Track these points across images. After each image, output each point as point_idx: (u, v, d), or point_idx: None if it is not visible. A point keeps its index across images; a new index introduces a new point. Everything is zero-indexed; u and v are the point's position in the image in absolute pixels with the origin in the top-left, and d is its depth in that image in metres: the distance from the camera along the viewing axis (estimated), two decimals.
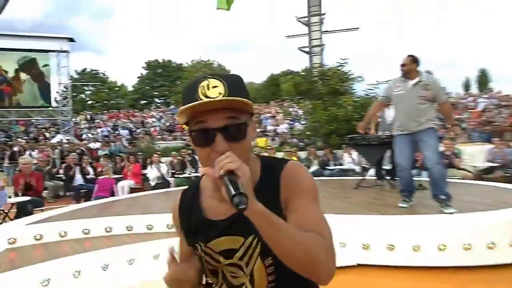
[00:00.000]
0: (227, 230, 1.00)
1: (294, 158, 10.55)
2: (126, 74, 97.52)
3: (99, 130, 22.13)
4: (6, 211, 6.17)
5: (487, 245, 3.92)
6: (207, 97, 0.89)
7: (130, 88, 46.47)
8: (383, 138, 6.76)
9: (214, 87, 0.90)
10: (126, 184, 9.26)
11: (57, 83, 21.40)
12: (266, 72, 56.34)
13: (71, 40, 21.60)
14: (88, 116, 26.66)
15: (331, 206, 5.19)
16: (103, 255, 3.73)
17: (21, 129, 21.38)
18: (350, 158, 10.17)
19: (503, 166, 9.26)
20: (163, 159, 11.06)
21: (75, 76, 22.11)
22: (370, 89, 12.65)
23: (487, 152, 9.82)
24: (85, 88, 40.32)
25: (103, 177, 8.59)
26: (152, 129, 22.48)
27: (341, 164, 10.33)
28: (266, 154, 10.50)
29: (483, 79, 43.50)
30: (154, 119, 25.57)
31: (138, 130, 21.98)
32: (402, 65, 4.76)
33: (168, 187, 8.89)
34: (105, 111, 31.66)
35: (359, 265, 4.01)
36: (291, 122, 20.37)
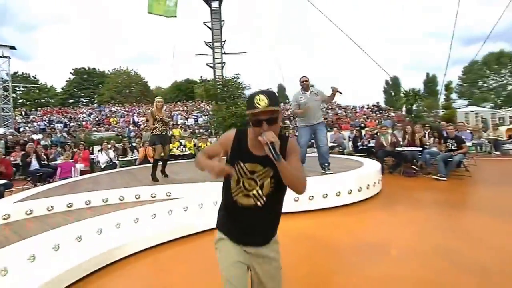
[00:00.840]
0: (257, 161, 1.45)
1: (208, 143, 10.64)
2: (55, 78, 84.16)
3: (35, 124, 19.04)
4: None
5: (347, 191, 4.69)
6: (259, 105, 1.33)
7: (59, 90, 40.50)
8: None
9: (263, 100, 1.34)
10: (77, 167, 8.35)
11: None
12: (171, 79, 54.39)
13: (12, 47, 18.42)
14: (23, 112, 22.61)
15: None
16: (96, 222, 3.48)
17: None
18: None
19: (338, 145, 10.67)
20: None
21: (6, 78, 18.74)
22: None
23: (330, 136, 11.07)
24: (17, 88, 33.99)
25: (64, 161, 7.65)
26: (84, 123, 20.09)
27: None
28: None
29: None
30: (84, 115, 22.84)
31: (72, 124, 19.46)
32: (305, 81, 5.20)
33: (115, 168, 8.25)
34: (36, 108, 27.38)
35: None
36: (195, 117, 20.27)
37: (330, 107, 20.64)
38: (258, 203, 1.46)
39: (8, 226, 3.53)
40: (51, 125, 18.93)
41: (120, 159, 9.09)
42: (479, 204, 4.79)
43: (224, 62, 18.01)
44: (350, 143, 11.11)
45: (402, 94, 15.64)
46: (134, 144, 10.31)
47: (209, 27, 18.19)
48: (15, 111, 21.46)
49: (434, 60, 58.06)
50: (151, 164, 5.69)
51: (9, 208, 3.89)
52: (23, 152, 8.04)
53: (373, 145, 8.85)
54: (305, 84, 5.22)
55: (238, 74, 12.23)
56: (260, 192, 1.46)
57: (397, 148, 7.34)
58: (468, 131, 9.29)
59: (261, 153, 1.39)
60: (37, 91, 37.44)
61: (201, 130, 15.36)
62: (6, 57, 18.10)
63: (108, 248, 3.13)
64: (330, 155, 5.59)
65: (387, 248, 3.15)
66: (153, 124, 5.37)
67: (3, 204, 4.05)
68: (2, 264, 2.52)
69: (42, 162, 8.37)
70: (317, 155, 5.49)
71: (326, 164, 5.22)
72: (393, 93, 38.17)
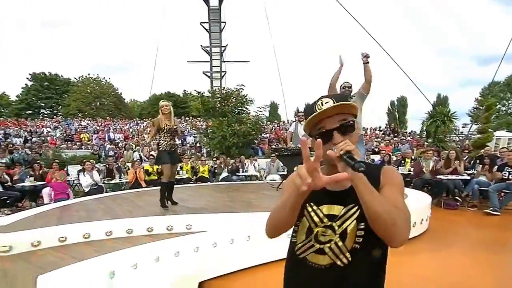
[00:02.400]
0: (334, 199, 1.15)
1: (206, 167, 10.37)
2: (8, 85, 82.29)
3: None
4: None
5: None
6: (321, 108, 1.12)
7: (13, 98, 39.59)
8: (299, 149, 7.15)
9: (326, 102, 1.13)
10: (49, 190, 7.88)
11: None
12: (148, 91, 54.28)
13: None
14: None
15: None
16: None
17: None
18: (252, 166, 10.40)
19: None
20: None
21: None
22: (259, 110, 13.12)
23: None
24: None
25: (56, 181, 7.41)
26: (49, 138, 19.47)
27: (246, 171, 10.43)
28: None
29: None
30: (49, 129, 22.18)
31: (34, 139, 18.80)
32: (347, 87, 5.09)
33: (102, 192, 7.81)
34: None
35: None
36: (182, 136, 19.96)
37: None
38: (339, 262, 1.10)
39: None
40: (7, 140, 18.26)
41: (106, 181, 8.66)
42: None
43: (224, 71, 17.91)
44: None
45: (425, 114, 15.71)
46: (119, 164, 9.90)
47: (206, 29, 18.13)
48: None
49: (444, 81, 60.30)
50: (145, 188, 5.37)
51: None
52: None
53: (402, 172, 8.79)
54: (347, 91, 5.07)
55: (243, 85, 12.14)
56: (340, 244, 1.11)
57: (439, 176, 7.24)
58: None
59: (339, 188, 1.15)
60: None
61: (192, 151, 15.07)
62: None
63: None
64: None
65: None
66: (159, 136, 5.04)
67: None
68: None
69: (5, 184, 7.91)
70: None
71: None
72: (397, 115, 39.08)
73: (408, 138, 19.63)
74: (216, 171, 10.46)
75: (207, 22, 18.05)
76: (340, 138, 1.09)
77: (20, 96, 39.62)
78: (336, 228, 1.12)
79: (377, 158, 11.94)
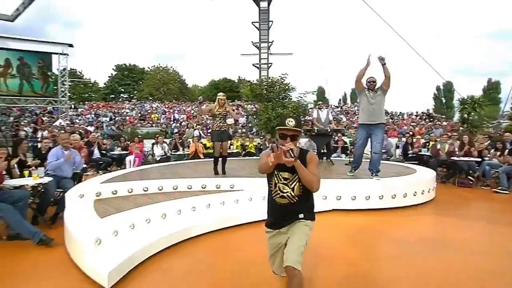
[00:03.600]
0: (288, 170, 2.04)
1: (254, 143, 11.28)
2: (98, 74, 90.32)
3: (84, 116, 20.95)
4: None
5: (398, 194, 5.04)
6: (288, 125, 1.98)
7: (101, 85, 43.60)
8: (328, 131, 7.76)
9: (291, 121, 1.99)
10: (132, 158, 9.28)
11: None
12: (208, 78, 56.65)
13: (71, 45, 20.63)
14: (72, 106, 24.77)
15: None
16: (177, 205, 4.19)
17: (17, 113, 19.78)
18: None
19: (385, 152, 10.82)
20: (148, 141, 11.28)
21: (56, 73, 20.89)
22: (300, 97, 13.55)
23: None
24: (65, 83, 37.06)
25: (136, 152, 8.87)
26: (128, 117, 21.68)
27: None
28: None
29: None
30: (127, 110, 24.54)
31: (117, 118, 21.07)
32: (372, 81, 5.31)
33: (169, 161, 9.06)
34: (83, 102, 29.80)
35: (333, 210, 4.85)
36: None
37: None
38: (292, 201, 2.08)
39: (101, 202, 4.30)
40: (98, 119, 20.70)
41: (172, 153, 9.96)
42: None
43: (271, 63, 18.69)
44: (398, 150, 11.25)
45: (457, 101, 15.21)
46: (182, 139, 11.17)
47: (257, 27, 18.97)
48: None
49: (498, 65, 54.78)
50: (203, 159, 6.29)
51: (99, 187, 4.70)
52: (86, 141, 9.09)
53: (424, 153, 8.99)
54: (372, 85, 5.32)
55: (286, 73, 12.66)
56: (292, 193, 2.07)
57: (452, 158, 7.45)
58: None
59: (289, 165, 1.98)
60: (82, 85, 40.57)
61: (243, 130, 16.12)
62: (65, 54, 20.23)
63: (186, 227, 3.80)
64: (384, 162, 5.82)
65: (447, 243, 3.53)
66: (213, 120, 6.00)
67: (94, 184, 4.88)
68: (114, 228, 3.23)
69: (102, 152, 9.41)
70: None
71: (375, 171, 5.36)
72: (444, 100, 36.66)
73: (444, 123, 18.91)
74: (261, 147, 11.33)
75: (257, 22, 18.94)
76: (289, 141, 1.98)
77: (106, 83, 43.57)
78: (289, 184, 2.08)
79: (394, 140, 12.04)
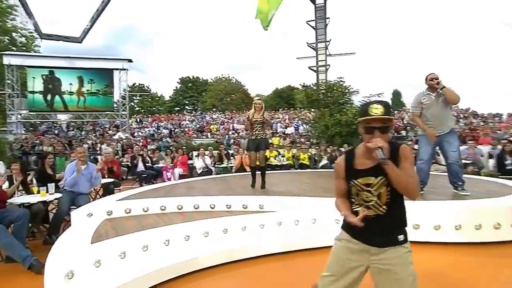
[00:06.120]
0: (368, 174, 1.64)
1: (306, 155, 10.43)
2: (164, 87, 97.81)
3: (146, 129, 22.22)
4: (97, 190, 6.05)
5: (493, 225, 3.75)
6: (373, 113, 1.57)
7: (167, 98, 46.61)
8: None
9: (377, 108, 1.57)
10: (176, 171, 9.17)
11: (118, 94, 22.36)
12: (272, 86, 56.95)
13: (130, 60, 22.30)
14: (138, 119, 26.62)
15: None
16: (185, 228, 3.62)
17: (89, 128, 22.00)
18: None
19: (473, 162, 9.06)
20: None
21: (127, 89, 22.65)
22: (364, 100, 12.37)
23: (462, 150, 9.53)
24: (134, 98, 40.45)
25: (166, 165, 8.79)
26: (186, 129, 22.40)
27: None
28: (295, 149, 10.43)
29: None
30: (187, 122, 25.45)
31: (176, 130, 21.92)
32: (433, 79, 4.36)
33: (211, 174, 8.73)
34: (149, 115, 31.94)
35: None
36: (296, 125, 20.35)
37: (463, 115, 17.98)
38: (379, 212, 1.64)
39: (110, 222, 3.94)
40: (159, 131, 21.79)
41: (216, 165, 9.62)
42: None
43: (329, 65, 17.59)
44: (491, 160, 9.33)
45: None
46: (230, 151, 10.81)
47: (312, 27, 18.05)
48: (131, 118, 25.44)
49: None
50: (248, 173, 5.74)
51: (112, 205, 4.37)
52: (131, 155, 9.24)
53: None
54: (433, 84, 4.36)
55: (342, 77, 11.69)
56: (378, 202, 1.63)
57: None
58: None
59: (370, 165, 1.63)
60: (150, 99, 43.83)
61: (302, 140, 15.29)
62: (124, 69, 21.80)
63: (195, 256, 3.26)
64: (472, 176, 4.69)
65: None
66: (251, 129, 5.41)
67: (108, 201, 4.60)
68: (96, 257, 2.77)
69: (147, 164, 9.49)
70: (446, 173, 4.66)
71: (460, 183, 4.41)
72: None
73: None
74: (316, 158, 10.42)
75: (313, 20, 17.98)
76: (379, 134, 1.56)
77: (172, 96, 46.37)
78: (373, 191, 1.63)
79: (486, 148, 10.04)
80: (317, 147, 11.28)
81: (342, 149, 10.58)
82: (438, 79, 4.32)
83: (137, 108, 42.01)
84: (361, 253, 1.67)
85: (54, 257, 2.81)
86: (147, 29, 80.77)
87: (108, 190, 5.87)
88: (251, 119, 5.35)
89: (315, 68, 17.83)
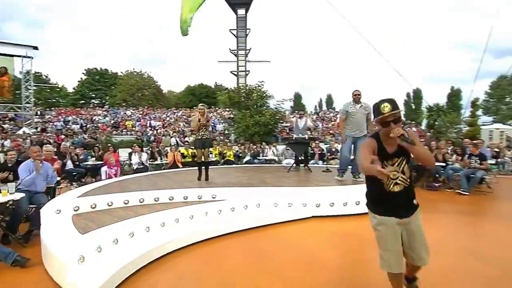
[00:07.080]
0: (394, 156, 2.11)
1: (232, 152, 11.43)
2: (66, 78, 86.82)
3: (51, 124, 20.30)
4: None
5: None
6: (384, 111, 2.01)
7: (70, 90, 42.33)
8: (305, 139, 8.04)
9: (386, 106, 2.02)
10: (107, 169, 9.17)
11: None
12: (183, 84, 56.50)
13: (35, 48, 19.86)
14: (38, 112, 23.94)
15: (286, 182, 6.26)
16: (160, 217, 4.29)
17: None
18: (271, 152, 11.32)
19: None
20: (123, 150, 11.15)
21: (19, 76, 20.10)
22: (278, 104, 13.92)
23: None
24: (29, 87, 35.67)
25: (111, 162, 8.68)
26: (100, 124, 21.23)
27: (266, 156, 11.30)
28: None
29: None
30: (99, 117, 24.02)
31: (89, 126, 20.58)
32: (357, 95, 5.86)
33: (147, 171, 9.04)
34: (48, 108, 28.84)
35: (313, 217, 5.11)
36: (213, 124, 21.14)
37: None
38: (405, 185, 2.13)
39: (81, 216, 4.29)
40: (67, 126, 20.12)
41: (150, 162, 9.93)
42: (498, 214, 5.69)
43: (248, 70, 19.05)
44: None
45: (424, 109, 16.22)
46: (160, 149, 11.13)
47: (234, 35, 19.27)
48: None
49: (460, 73, 58.38)
50: (182, 169, 6.48)
51: (77, 201, 4.69)
52: (58, 152, 8.90)
53: None
54: (357, 98, 5.90)
55: (263, 81, 13.02)
56: (403, 176, 2.11)
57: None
58: (488, 149, 9.83)
59: (393, 149, 2.10)
60: (48, 90, 39.17)
61: (221, 137, 16.21)
62: (29, 57, 19.46)
63: (171, 239, 3.91)
64: None
65: None
66: (197, 130, 6.22)
67: (71, 198, 4.87)
68: (97, 244, 3.30)
69: (75, 162, 9.24)
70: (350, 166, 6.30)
71: (358, 173, 6.05)
72: (413, 106, 38.29)
73: (414, 128, 19.84)
74: (240, 155, 11.49)
75: (235, 29, 19.33)
76: (394, 125, 2.00)
77: (76, 88, 42.25)
78: (398, 169, 2.09)
79: None
80: (239, 145, 12.37)
81: (266, 147, 11.83)
82: (360, 94, 5.88)
83: (33, 99, 37.22)
84: (399, 225, 2.14)
85: (58, 246, 3.22)
86: (36, 6, 70.74)
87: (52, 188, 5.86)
88: (200, 123, 6.14)
89: (236, 72, 19.06)
